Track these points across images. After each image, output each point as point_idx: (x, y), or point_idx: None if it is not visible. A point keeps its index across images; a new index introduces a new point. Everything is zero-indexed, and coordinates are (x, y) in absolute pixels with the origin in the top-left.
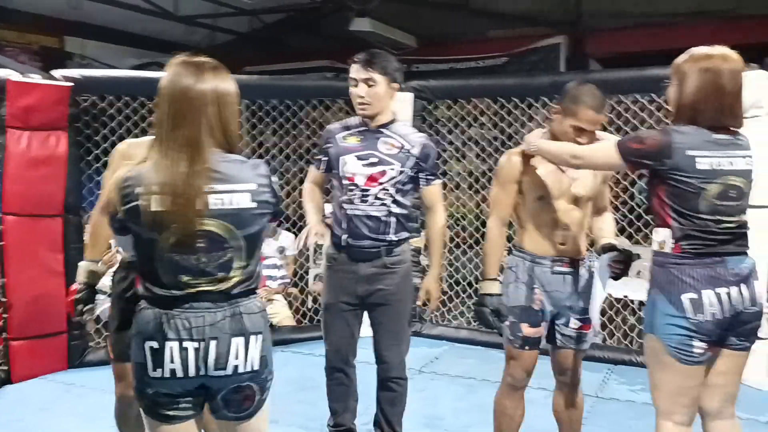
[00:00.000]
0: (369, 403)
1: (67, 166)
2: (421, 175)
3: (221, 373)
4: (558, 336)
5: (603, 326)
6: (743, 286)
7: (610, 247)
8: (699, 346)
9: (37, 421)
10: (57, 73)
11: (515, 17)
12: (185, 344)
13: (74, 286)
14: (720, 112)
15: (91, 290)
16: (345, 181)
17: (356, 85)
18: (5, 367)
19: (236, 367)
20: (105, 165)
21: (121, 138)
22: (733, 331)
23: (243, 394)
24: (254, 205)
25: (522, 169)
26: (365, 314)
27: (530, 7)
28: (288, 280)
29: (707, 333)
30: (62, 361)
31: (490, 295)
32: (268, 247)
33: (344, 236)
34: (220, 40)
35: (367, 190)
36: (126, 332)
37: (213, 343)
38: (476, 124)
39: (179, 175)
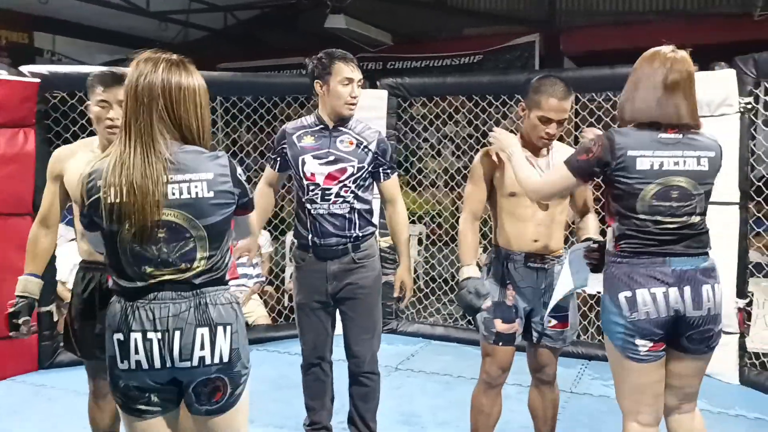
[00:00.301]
0: (344, 401)
1: (35, 163)
2: (380, 169)
3: (187, 364)
4: (534, 333)
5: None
6: (686, 288)
7: (586, 240)
8: (642, 343)
9: (7, 424)
10: (25, 69)
11: (491, 15)
12: (149, 335)
13: (11, 301)
14: (661, 112)
15: (28, 303)
16: (305, 182)
17: (348, 84)
18: None
19: (202, 358)
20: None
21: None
22: (680, 334)
23: (212, 386)
24: (211, 194)
25: (494, 166)
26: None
27: (506, 5)
28: (263, 279)
29: (646, 332)
30: (32, 362)
31: (468, 278)
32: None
33: (310, 236)
34: (194, 37)
35: (328, 189)
36: (88, 330)
37: (177, 334)
38: (451, 122)
39: (135, 167)
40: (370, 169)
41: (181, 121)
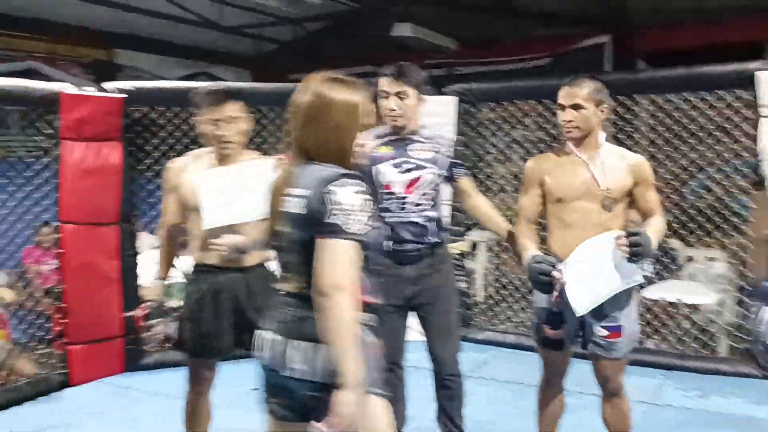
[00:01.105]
0: (419, 409)
1: (121, 175)
2: (454, 171)
3: (279, 370)
4: (589, 343)
5: (656, 331)
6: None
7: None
8: None
9: (94, 425)
10: (109, 85)
11: (559, 17)
12: (269, 335)
13: (144, 304)
14: None
15: (160, 306)
16: (381, 190)
17: (387, 98)
18: (65, 371)
19: (299, 370)
20: (158, 174)
21: (172, 147)
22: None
23: (296, 398)
24: (304, 211)
25: (543, 173)
26: (413, 317)
27: (574, 6)
28: None
29: None
30: (118, 364)
31: (533, 255)
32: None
33: (386, 243)
34: (265, 50)
35: (405, 198)
36: (198, 330)
37: (279, 340)
38: (520, 126)
39: (277, 178)
40: (445, 174)
41: (317, 137)
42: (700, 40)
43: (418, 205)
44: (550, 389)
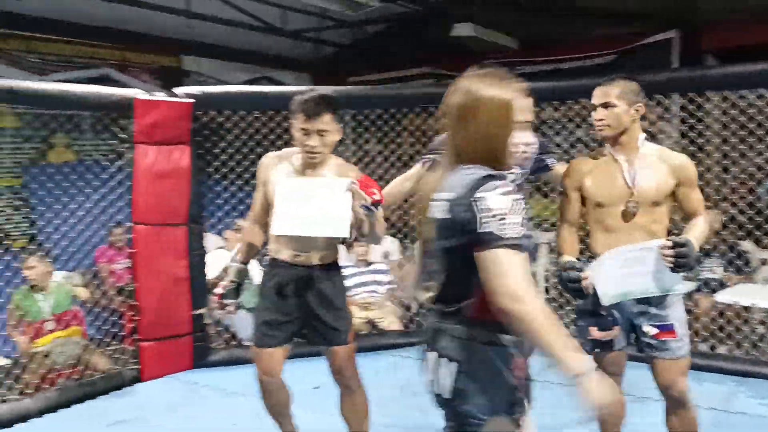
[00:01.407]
0: None
1: (190, 177)
2: (548, 161)
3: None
4: (642, 345)
5: (729, 336)
6: None
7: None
8: None
9: (164, 419)
10: (179, 90)
11: (624, 14)
12: (429, 354)
13: (223, 283)
14: None
15: (237, 287)
16: None
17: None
18: (137, 366)
19: (431, 381)
20: (224, 176)
21: (238, 150)
22: None
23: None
24: (448, 216)
25: (582, 177)
26: None
27: (639, 3)
28: (394, 286)
29: None
30: (187, 361)
31: (563, 264)
32: (374, 252)
33: None
34: (325, 53)
35: None
36: (266, 320)
37: (431, 356)
38: (585, 125)
39: (427, 182)
40: (529, 172)
41: (469, 139)
42: None
43: None
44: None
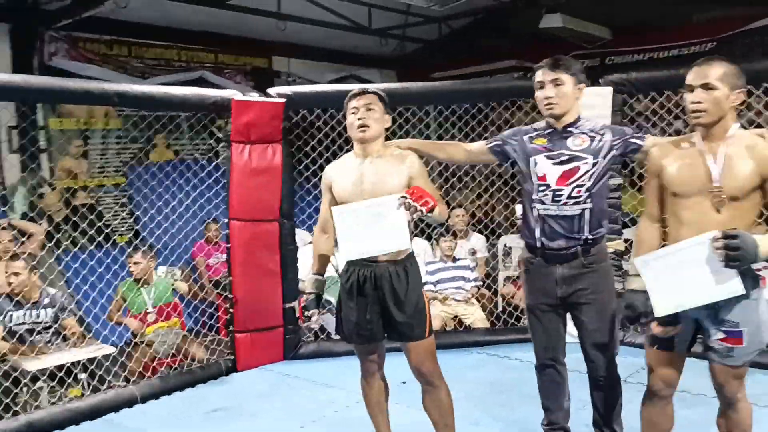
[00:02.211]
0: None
1: (281, 175)
2: (630, 144)
3: None
4: (707, 348)
5: None
6: None
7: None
8: None
9: (256, 406)
10: (272, 90)
11: None
12: None
13: (303, 296)
14: None
15: (317, 298)
16: (536, 182)
17: (542, 87)
18: (232, 357)
19: None
20: (314, 174)
21: (328, 148)
22: None
23: None
24: None
25: (663, 163)
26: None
27: None
28: (480, 283)
29: None
30: (279, 353)
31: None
32: (460, 248)
33: (538, 237)
34: (410, 49)
35: (560, 190)
36: (349, 317)
37: None
38: (683, 116)
39: None
40: (610, 159)
41: None
42: None
43: (572, 197)
44: (657, 401)
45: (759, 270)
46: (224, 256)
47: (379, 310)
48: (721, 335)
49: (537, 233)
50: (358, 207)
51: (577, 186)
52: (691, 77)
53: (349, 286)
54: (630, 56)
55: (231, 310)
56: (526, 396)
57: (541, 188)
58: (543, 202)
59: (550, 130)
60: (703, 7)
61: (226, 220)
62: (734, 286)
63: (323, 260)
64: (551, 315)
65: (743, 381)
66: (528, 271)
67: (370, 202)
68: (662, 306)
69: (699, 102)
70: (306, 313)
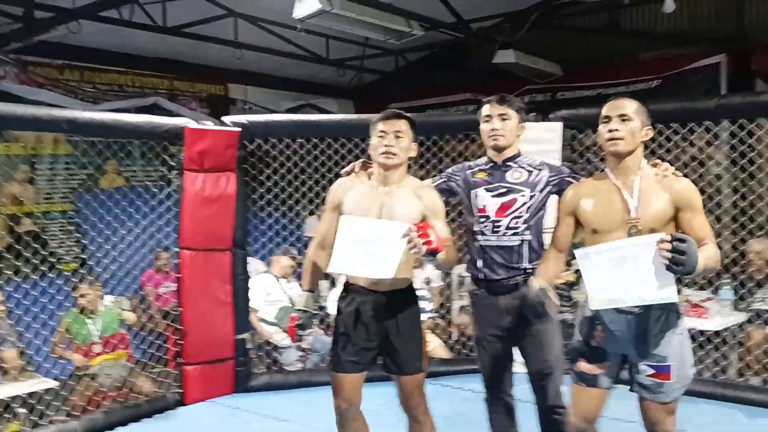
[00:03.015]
0: None
1: (235, 203)
2: (566, 183)
3: None
4: (635, 384)
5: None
6: None
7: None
8: None
9: None
10: (227, 119)
11: (670, 36)
12: None
13: (293, 314)
14: None
15: (308, 316)
16: (478, 213)
17: (489, 120)
18: (180, 390)
19: None
20: (268, 203)
21: (283, 178)
22: None
23: None
24: None
25: (578, 202)
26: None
27: (686, 25)
28: (435, 314)
29: None
30: (229, 385)
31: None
32: (416, 278)
33: (481, 267)
34: (367, 80)
35: (498, 221)
36: (347, 346)
37: None
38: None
39: None
40: (544, 195)
41: None
42: None
43: (510, 228)
44: None
45: (703, 301)
46: (175, 285)
47: (379, 341)
48: (651, 371)
49: (480, 264)
50: (368, 222)
51: (515, 217)
52: (608, 109)
53: (348, 313)
54: (579, 92)
55: (180, 342)
56: (482, 429)
57: (481, 219)
58: (484, 233)
59: (491, 164)
60: (650, 46)
61: (177, 250)
62: (669, 292)
63: (316, 275)
64: (498, 346)
65: (675, 417)
66: (474, 303)
67: (383, 222)
68: (597, 300)
69: (616, 130)
70: (299, 332)
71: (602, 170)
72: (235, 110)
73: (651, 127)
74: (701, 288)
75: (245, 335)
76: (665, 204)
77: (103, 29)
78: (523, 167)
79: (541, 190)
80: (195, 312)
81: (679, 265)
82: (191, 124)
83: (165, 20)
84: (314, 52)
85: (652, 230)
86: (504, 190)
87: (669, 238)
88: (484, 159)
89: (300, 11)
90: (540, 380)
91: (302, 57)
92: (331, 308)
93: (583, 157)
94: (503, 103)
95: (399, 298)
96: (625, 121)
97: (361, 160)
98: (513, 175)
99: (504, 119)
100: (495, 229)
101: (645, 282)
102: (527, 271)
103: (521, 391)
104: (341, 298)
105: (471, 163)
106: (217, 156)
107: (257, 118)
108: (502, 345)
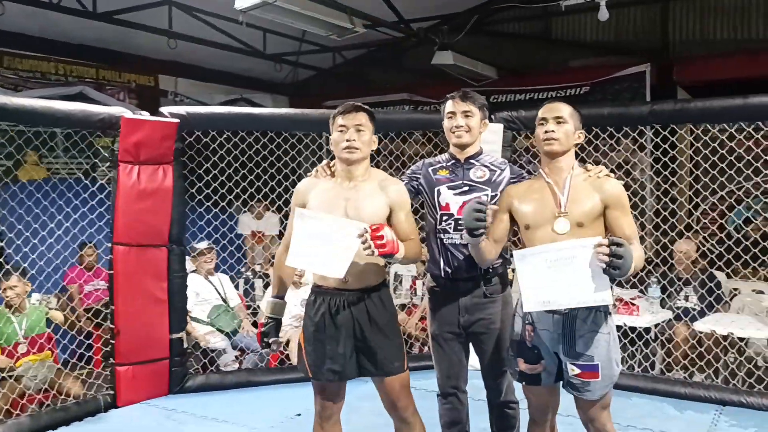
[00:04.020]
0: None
1: (172, 198)
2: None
3: None
4: (565, 380)
5: (708, 364)
6: None
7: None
8: None
9: None
10: (165, 109)
11: (598, 46)
12: None
13: (261, 320)
14: None
15: (277, 323)
16: (440, 211)
17: (452, 117)
18: (112, 392)
19: None
20: (207, 198)
21: (223, 172)
22: None
23: None
24: None
25: (513, 199)
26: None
27: (614, 36)
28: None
29: None
30: (164, 386)
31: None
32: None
33: (442, 266)
34: (303, 76)
35: (459, 219)
36: (319, 352)
37: None
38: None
39: None
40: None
41: None
42: (745, 71)
43: None
44: (536, 428)
45: (633, 299)
46: (101, 282)
47: (354, 343)
48: (578, 370)
49: (441, 263)
50: (323, 218)
51: None
52: (545, 111)
53: (319, 317)
54: (513, 96)
55: (112, 341)
56: (434, 427)
57: (444, 217)
58: (447, 231)
59: (452, 162)
60: (580, 54)
61: (109, 245)
62: (605, 295)
63: (284, 281)
64: (454, 343)
65: (609, 411)
66: (432, 300)
67: (340, 219)
68: (531, 302)
69: (552, 131)
70: (265, 339)
71: (537, 171)
72: (166, 102)
73: (583, 130)
74: (633, 286)
75: (180, 335)
76: (594, 200)
77: (27, 12)
78: (486, 166)
79: (503, 190)
80: (128, 310)
81: (616, 269)
82: (127, 113)
83: (95, 5)
84: (251, 46)
85: (580, 224)
86: (467, 188)
87: (607, 242)
88: (445, 156)
89: (242, 2)
90: (493, 377)
91: (239, 50)
92: (264, 306)
93: (522, 158)
94: (466, 99)
95: (373, 295)
96: (561, 123)
97: (324, 161)
98: (476, 174)
99: (467, 116)
100: (458, 228)
101: (581, 285)
102: (488, 270)
103: (471, 387)
104: (310, 303)
105: (431, 160)
106: (153, 148)
107: (197, 110)
108: (458, 342)
